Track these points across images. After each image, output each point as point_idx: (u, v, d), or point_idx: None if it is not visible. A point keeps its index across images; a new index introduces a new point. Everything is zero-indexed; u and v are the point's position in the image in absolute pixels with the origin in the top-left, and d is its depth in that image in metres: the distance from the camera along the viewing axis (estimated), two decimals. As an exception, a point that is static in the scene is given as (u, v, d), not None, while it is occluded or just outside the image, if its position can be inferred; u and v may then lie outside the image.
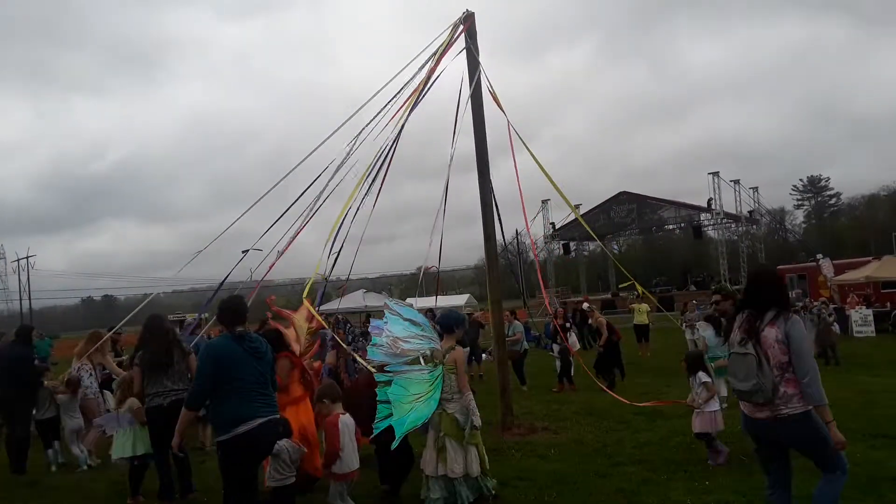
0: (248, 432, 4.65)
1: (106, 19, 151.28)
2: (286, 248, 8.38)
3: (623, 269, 12.47)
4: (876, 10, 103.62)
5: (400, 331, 6.08)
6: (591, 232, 13.18)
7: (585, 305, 18.63)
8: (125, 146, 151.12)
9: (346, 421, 5.64)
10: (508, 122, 9.23)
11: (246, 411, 4.69)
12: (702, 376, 7.05)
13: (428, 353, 5.96)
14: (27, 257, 62.69)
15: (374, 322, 6.68)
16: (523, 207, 9.82)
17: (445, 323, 6.37)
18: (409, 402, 5.50)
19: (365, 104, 8.84)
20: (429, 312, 15.28)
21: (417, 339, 6.07)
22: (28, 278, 62.00)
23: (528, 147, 9.24)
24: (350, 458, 5.56)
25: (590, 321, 14.88)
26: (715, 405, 6.98)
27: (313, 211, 8.39)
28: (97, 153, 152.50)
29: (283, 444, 4.90)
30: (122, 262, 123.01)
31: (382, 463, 6.38)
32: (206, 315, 13.36)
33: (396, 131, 8.75)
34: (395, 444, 5.42)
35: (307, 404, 6.54)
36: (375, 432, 5.55)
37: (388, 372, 5.76)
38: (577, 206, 51.95)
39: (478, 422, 5.90)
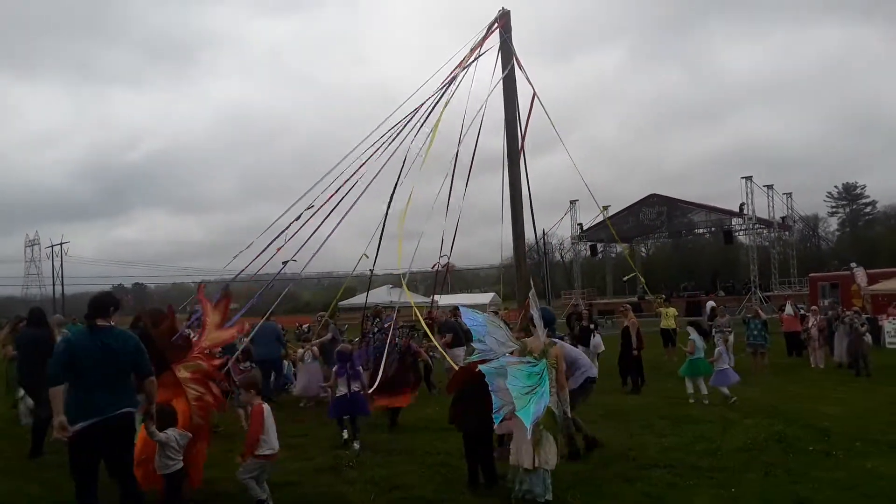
0: (85, 429, 4.88)
1: (145, 14, 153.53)
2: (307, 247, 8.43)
3: (639, 273, 12.23)
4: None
5: (500, 333, 6.20)
6: (615, 235, 13.07)
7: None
8: (160, 138, 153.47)
9: (268, 408, 6.12)
10: (548, 116, 9.19)
11: (84, 407, 4.93)
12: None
13: (527, 344, 6.14)
14: (61, 244, 64.05)
15: (465, 313, 6.81)
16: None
17: (549, 318, 6.67)
18: (526, 394, 5.49)
19: (410, 97, 8.95)
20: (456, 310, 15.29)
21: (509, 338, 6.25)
22: (62, 264, 63.43)
23: (564, 144, 9.22)
24: (273, 441, 6.01)
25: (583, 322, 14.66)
26: None
27: (320, 205, 8.42)
28: (132, 144, 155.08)
29: (170, 432, 5.60)
30: (154, 251, 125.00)
31: (473, 452, 6.51)
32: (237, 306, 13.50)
33: (431, 127, 8.81)
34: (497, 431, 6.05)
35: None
36: (496, 422, 5.58)
37: (492, 365, 5.79)
38: (605, 208, 51.65)
39: (570, 412, 6.39)
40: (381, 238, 8.63)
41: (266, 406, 6.12)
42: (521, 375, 5.64)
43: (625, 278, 38.29)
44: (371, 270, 9.41)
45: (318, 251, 8.46)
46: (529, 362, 5.90)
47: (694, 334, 11.27)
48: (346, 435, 8.60)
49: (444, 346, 12.79)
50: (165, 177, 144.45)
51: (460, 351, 12.96)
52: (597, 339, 13.69)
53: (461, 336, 13.23)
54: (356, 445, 8.26)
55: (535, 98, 9.21)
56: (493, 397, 5.54)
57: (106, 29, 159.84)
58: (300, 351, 12.10)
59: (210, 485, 6.80)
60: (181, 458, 5.70)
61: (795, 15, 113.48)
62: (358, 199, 8.56)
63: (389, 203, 8.66)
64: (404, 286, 8.45)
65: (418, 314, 9.86)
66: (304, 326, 25.23)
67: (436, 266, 10.31)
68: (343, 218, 8.43)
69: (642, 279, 12.15)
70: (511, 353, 6.04)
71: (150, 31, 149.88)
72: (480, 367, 5.80)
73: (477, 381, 5.81)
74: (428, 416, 10.32)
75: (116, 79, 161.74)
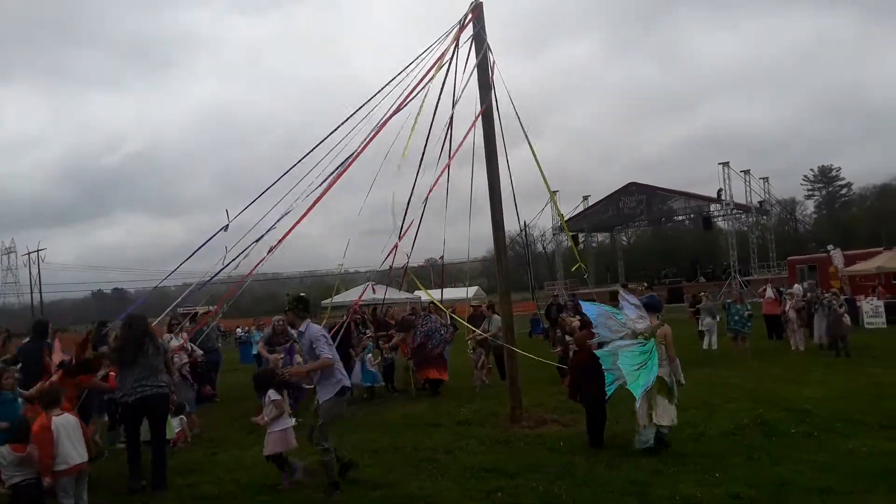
0: None
1: (120, 16, 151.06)
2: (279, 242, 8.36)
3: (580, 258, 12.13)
4: (882, 3, 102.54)
5: (630, 313, 7.31)
6: (564, 226, 13.10)
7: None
8: (138, 140, 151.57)
9: (61, 422, 5.82)
10: (515, 110, 9.21)
11: None
12: (271, 394, 6.79)
13: (640, 329, 7.14)
14: (38, 251, 63.00)
15: (585, 305, 7.84)
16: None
17: (653, 304, 7.66)
18: (636, 371, 6.71)
19: (380, 91, 8.89)
20: (430, 305, 15.41)
21: (638, 321, 7.25)
22: (38, 271, 62.48)
23: (528, 137, 9.28)
24: (69, 455, 5.74)
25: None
26: (286, 423, 6.71)
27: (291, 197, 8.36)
28: (110, 147, 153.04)
29: (1, 449, 5.59)
30: (134, 255, 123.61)
31: (592, 420, 7.52)
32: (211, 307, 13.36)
33: (411, 120, 8.81)
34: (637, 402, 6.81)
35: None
36: (608, 394, 6.88)
37: (606, 349, 7.04)
38: (585, 198, 51.87)
39: (683, 380, 7.35)
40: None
41: (59, 419, 5.80)
42: (631, 355, 6.85)
43: (573, 269, 38.38)
44: (340, 266, 9.45)
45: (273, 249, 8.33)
46: (640, 343, 7.00)
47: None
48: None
49: (400, 342, 12.85)
50: (145, 179, 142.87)
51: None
52: None
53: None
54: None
55: (504, 90, 9.22)
56: (606, 374, 6.82)
57: (81, 32, 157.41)
58: (271, 357, 11.25)
59: (193, 488, 6.76)
60: (22, 473, 5.56)
61: (765, 3, 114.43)
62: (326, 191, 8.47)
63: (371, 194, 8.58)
64: (421, 284, 8.38)
65: (440, 306, 11.76)
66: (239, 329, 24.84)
67: (405, 264, 10.52)
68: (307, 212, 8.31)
69: (586, 270, 12.22)
70: (622, 336, 7.12)
71: (126, 33, 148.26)
72: (596, 351, 7.14)
73: (591, 361, 7.22)
74: (413, 413, 10.32)
75: (93, 82, 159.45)
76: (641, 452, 7.00)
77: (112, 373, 7.59)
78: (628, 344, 7.01)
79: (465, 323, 12.13)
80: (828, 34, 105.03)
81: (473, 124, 9.15)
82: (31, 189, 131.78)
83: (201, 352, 11.85)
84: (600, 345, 7.28)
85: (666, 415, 7.00)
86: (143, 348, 6.91)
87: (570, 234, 38.22)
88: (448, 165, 9.28)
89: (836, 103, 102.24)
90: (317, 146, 8.78)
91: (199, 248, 8.58)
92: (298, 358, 11.25)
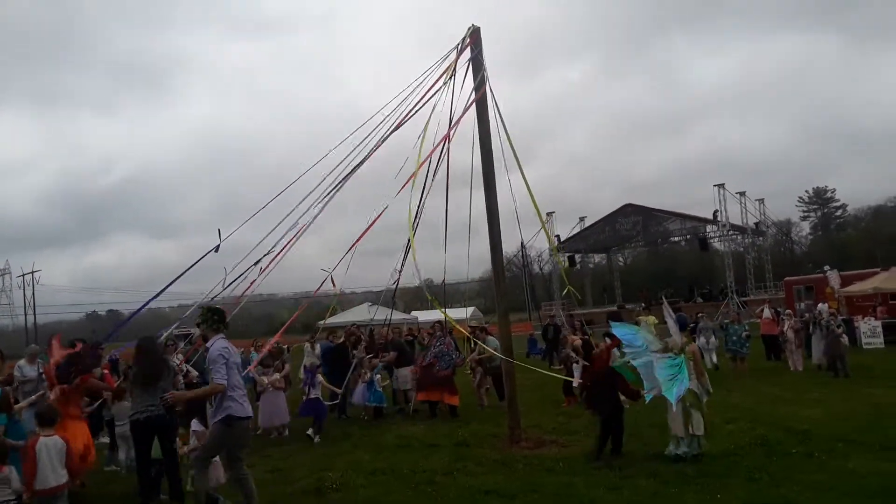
0: None
1: (114, 39, 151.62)
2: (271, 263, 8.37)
3: (568, 282, 12.20)
4: (866, 26, 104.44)
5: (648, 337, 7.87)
6: (552, 246, 13.14)
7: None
8: (132, 162, 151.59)
9: (46, 443, 5.92)
10: (508, 137, 9.26)
11: None
12: (194, 424, 6.62)
13: (668, 343, 7.79)
14: (32, 272, 62.83)
15: (614, 326, 8.31)
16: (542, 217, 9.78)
17: (682, 321, 8.19)
18: (670, 380, 7.25)
19: (377, 113, 8.97)
20: (437, 324, 15.35)
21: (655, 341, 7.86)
22: (33, 293, 62.22)
23: (521, 164, 9.35)
24: (46, 477, 5.82)
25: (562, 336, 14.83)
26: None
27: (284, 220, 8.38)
28: (105, 169, 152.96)
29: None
30: (128, 277, 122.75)
31: (611, 431, 7.89)
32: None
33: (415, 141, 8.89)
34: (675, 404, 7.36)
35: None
36: (647, 400, 7.56)
37: (641, 360, 7.62)
38: (582, 218, 52.07)
39: (710, 388, 8.01)
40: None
41: (44, 441, 5.91)
42: (664, 366, 7.41)
43: (563, 293, 38.42)
44: (333, 281, 9.41)
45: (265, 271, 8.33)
46: (670, 356, 7.57)
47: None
48: (310, 432, 10.23)
49: (387, 363, 12.78)
50: (139, 201, 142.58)
51: (406, 371, 12.75)
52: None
53: (408, 354, 13.12)
54: (317, 439, 10.14)
55: (497, 116, 9.28)
56: (644, 382, 7.50)
57: (74, 55, 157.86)
58: (264, 379, 11.21)
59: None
60: (6, 491, 5.65)
61: (754, 27, 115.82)
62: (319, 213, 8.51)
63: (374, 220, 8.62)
64: (440, 304, 8.46)
65: (459, 328, 11.98)
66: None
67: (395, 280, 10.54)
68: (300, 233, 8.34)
69: (577, 294, 12.25)
70: (655, 351, 7.66)
71: (119, 55, 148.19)
72: (633, 362, 7.70)
73: (606, 376, 8.05)
74: (411, 434, 10.24)
75: (87, 104, 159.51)
76: (672, 462, 7.45)
77: (106, 370, 7.57)
78: (660, 357, 7.58)
79: (471, 336, 12.22)
80: (816, 56, 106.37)
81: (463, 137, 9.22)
82: (24, 211, 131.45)
83: (196, 373, 11.78)
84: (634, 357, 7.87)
85: (700, 425, 7.56)
86: (164, 370, 7.00)
87: (565, 255, 38.25)
88: (447, 186, 9.32)
89: (828, 126, 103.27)
90: (313, 166, 8.84)
91: (189, 268, 8.47)
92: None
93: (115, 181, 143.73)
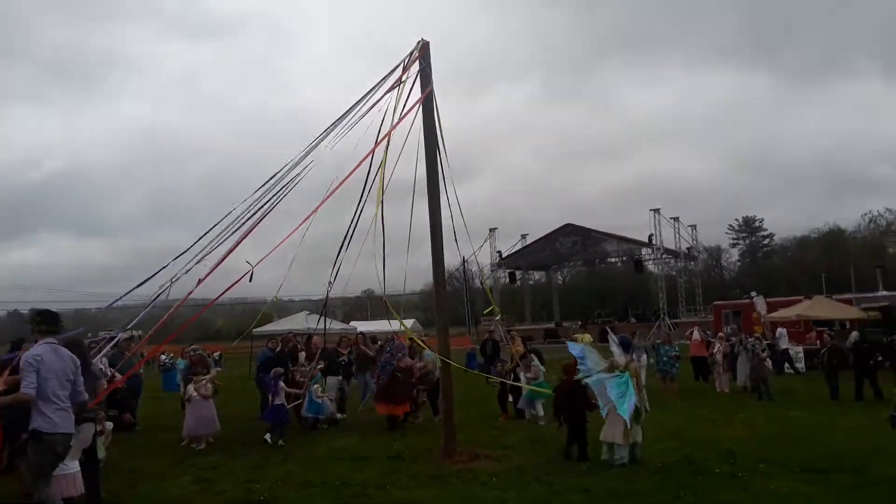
0: None
1: (47, 33, 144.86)
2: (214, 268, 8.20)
3: (491, 297, 12.42)
4: (795, 67, 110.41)
5: (615, 349, 8.84)
6: (485, 284, 13.30)
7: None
8: (62, 158, 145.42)
9: None
10: (443, 155, 9.30)
11: None
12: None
13: (613, 363, 8.61)
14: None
15: (571, 346, 9.38)
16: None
17: (624, 343, 9.18)
18: (621, 397, 8.03)
19: (337, 122, 8.85)
20: (360, 336, 15.28)
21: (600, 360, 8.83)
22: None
23: (453, 181, 9.46)
24: None
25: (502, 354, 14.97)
26: (66, 467, 6.13)
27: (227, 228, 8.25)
28: (34, 164, 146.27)
29: None
30: (55, 275, 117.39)
31: (576, 437, 8.61)
32: (140, 333, 12.85)
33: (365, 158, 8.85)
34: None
35: None
36: (604, 415, 8.26)
37: (594, 378, 8.45)
38: (524, 236, 52.79)
39: (648, 407, 8.90)
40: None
41: None
42: (615, 384, 8.17)
43: (485, 312, 38.63)
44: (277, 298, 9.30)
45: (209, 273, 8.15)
46: (617, 375, 8.34)
47: (536, 360, 12.41)
48: (268, 438, 10.30)
49: (318, 371, 12.62)
50: (69, 198, 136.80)
51: (333, 380, 13.00)
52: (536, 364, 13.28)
53: (336, 365, 13.33)
54: (280, 443, 10.32)
55: (439, 130, 9.34)
56: (598, 400, 8.32)
57: (5, 45, 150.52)
58: (190, 387, 10.94)
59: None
60: None
61: (690, 62, 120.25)
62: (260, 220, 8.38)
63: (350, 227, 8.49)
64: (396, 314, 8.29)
65: (415, 338, 12.11)
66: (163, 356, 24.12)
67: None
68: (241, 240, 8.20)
69: (499, 312, 12.52)
70: (602, 370, 8.51)
71: (54, 50, 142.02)
72: (586, 380, 8.51)
73: (572, 389, 8.79)
74: (343, 447, 10.09)
75: (15, 97, 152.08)
76: (608, 467, 8.04)
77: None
78: (609, 376, 8.37)
79: (431, 349, 12.05)
80: (748, 92, 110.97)
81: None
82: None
83: (120, 376, 11.33)
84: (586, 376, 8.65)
85: (638, 434, 8.28)
86: (83, 370, 6.42)
87: (505, 271, 38.54)
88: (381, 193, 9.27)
89: (757, 160, 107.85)
90: (270, 179, 8.72)
91: (152, 277, 8.30)
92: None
93: (44, 176, 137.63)
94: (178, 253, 8.36)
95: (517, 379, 12.33)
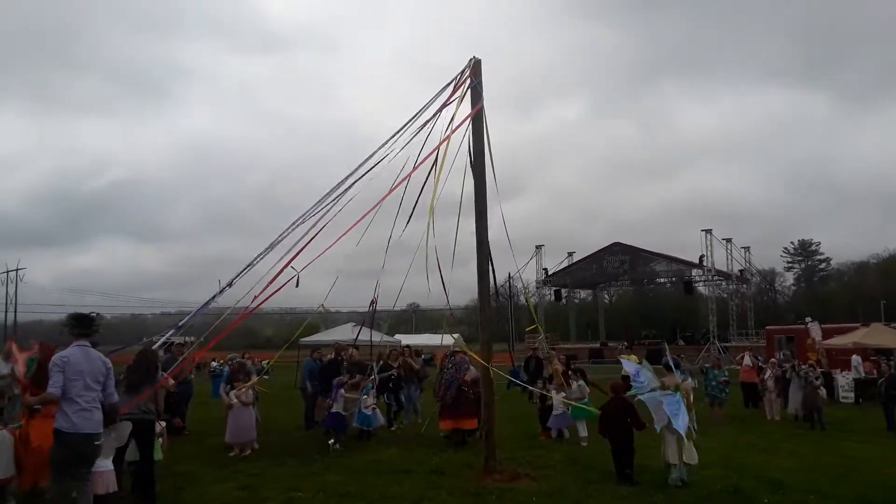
0: None
1: (117, 45, 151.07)
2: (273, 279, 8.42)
3: (540, 326, 12.40)
4: (852, 88, 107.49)
5: (649, 374, 8.92)
6: (529, 303, 13.21)
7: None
8: (124, 167, 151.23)
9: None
10: (493, 173, 9.36)
11: None
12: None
13: (665, 383, 9.05)
14: (17, 270, 62.13)
15: (626, 363, 10.29)
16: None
17: (676, 362, 9.80)
18: (676, 414, 8.18)
19: (387, 143, 9.12)
20: (406, 349, 15.33)
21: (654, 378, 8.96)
22: (16, 291, 61.44)
23: (500, 200, 9.52)
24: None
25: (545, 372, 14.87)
26: (100, 465, 6.26)
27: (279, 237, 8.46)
28: (96, 172, 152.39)
29: None
30: (112, 281, 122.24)
31: (622, 457, 8.63)
32: (191, 339, 13.26)
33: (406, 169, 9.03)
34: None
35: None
36: (658, 431, 8.39)
37: (649, 395, 8.55)
38: (570, 254, 52.36)
39: (696, 428, 9.06)
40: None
41: None
42: (669, 402, 8.35)
43: (528, 329, 38.13)
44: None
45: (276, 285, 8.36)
46: (670, 394, 8.59)
47: (581, 381, 12.46)
48: (331, 443, 10.73)
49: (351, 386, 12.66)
50: (128, 206, 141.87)
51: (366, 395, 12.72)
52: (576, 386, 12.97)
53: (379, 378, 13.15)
54: (337, 446, 10.79)
55: (488, 149, 9.44)
56: (654, 415, 8.38)
57: (75, 56, 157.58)
58: (231, 394, 11.12)
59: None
60: None
61: (743, 80, 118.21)
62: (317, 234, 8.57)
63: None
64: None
65: (473, 355, 11.10)
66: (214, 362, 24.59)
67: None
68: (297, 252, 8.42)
69: (542, 331, 12.43)
70: (655, 388, 8.70)
71: (120, 61, 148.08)
72: (640, 397, 8.64)
73: (621, 407, 8.77)
74: (385, 459, 10.16)
75: (84, 107, 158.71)
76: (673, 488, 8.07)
77: None
78: (663, 394, 8.58)
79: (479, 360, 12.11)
80: (804, 111, 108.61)
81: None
82: (11, 209, 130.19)
83: (173, 381, 11.66)
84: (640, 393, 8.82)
85: (693, 455, 8.40)
86: (150, 377, 7.46)
87: (551, 289, 38.23)
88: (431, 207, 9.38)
89: (812, 178, 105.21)
90: (335, 189, 8.98)
91: (226, 287, 8.60)
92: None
93: (106, 184, 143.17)
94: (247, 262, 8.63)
95: (549, 397, 12.26)
